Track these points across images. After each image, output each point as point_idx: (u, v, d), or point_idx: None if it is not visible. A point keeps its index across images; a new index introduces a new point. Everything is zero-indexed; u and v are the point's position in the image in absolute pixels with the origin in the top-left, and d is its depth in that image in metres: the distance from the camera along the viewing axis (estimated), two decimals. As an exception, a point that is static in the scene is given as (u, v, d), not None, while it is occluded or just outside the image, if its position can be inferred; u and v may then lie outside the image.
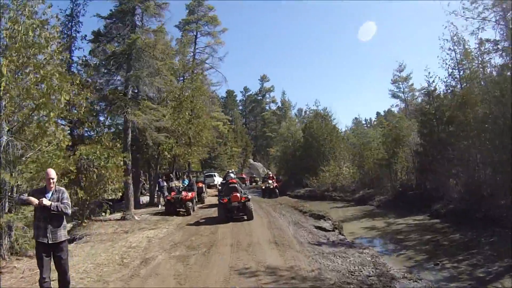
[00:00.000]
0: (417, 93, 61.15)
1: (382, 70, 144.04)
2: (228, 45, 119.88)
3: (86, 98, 15.91)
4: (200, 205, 25.25)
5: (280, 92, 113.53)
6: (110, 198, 19.59)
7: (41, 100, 10.47)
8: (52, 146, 11.03)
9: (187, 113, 27.08)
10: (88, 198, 17.18)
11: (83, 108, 15.36)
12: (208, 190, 34.73)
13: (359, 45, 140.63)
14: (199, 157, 34.04)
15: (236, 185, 17.75)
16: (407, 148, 25.50)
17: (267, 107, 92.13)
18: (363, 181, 29.19)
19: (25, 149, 10.63)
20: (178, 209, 20.51)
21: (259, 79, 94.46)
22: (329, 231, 14.37)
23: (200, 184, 27.59)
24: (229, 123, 64.01)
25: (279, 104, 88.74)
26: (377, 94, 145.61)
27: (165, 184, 23.82)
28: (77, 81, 12.89)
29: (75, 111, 17.18)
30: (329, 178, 32.43)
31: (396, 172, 26.18)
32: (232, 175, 20.71)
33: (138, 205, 24.30)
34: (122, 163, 18.29)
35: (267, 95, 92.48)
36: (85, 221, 17.03)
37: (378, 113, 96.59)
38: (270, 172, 36.34)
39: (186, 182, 24.95)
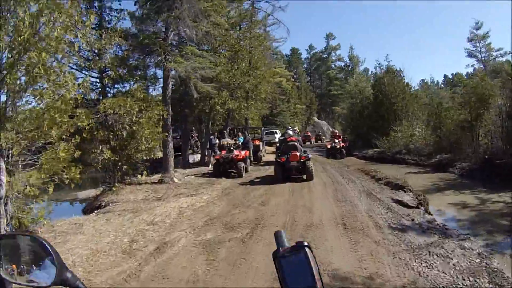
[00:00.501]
0: (495, 53, 56.03)
1: (454, 32, 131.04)
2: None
3: (113, 44, 13.62)
4: (257, 164, 22.97)
5: (346, 51, 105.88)
6: (150, 158, 16.97)
7: (25, 36, 7.46)
8: (47, 95, 8.11)
9: (243, 64, 24.04)
10: (117, 159, 14.78)
11: (109, 55, 12.83)
12: (269, 148, 32.55)
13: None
14: (257, 113, 30.90)
15: (296, 143, 16.15)
16: (493, 110, 21.43)
17: (333, 66, 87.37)
18: (440, 145, 25.15)
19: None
20: (229, 170, 18.15)
21: (324, 37, 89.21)
22: (412, 207, 10.97)
23: (257, 142, 24.93)
24: (293, 79, 60.59)
25: (347, 61, 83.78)
26: (447, 57, 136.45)
27: (217, 141, 21.23)
28: (92, 19, 9.74)
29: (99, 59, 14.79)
30: (401, 139, 28.52)
31: (478, 137, 22.17)
32: (290, 132, 18.11)
33: (187, 164, 22.31)
34: (159, 118, 15.54)
35: (333, 53, 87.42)
36: (116, 185, 14.62)
37: (445, 76, 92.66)
38: (336, 131, 32.90)
39: (242, 139, 22.39)
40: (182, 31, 17.07)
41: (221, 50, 22.34)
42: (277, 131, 38.38)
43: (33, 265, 1.41)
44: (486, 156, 19.68)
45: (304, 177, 15.62)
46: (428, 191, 15.02)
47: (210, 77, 18.84)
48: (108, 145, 14.54)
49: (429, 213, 10.71)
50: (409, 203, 11.20)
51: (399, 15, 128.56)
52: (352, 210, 10.11)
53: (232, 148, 18.50)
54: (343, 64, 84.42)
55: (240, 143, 21.12)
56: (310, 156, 15.98)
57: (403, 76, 35.53)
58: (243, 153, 18.78)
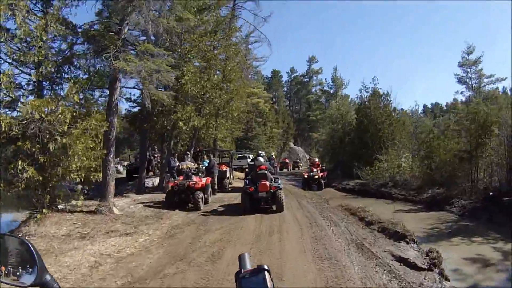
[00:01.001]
0: (486, 80, 54.29)
1: (445, 57, 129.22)
2: (276, 21, 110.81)
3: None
4: (222, 192, 20.07)
5: (329, 75, 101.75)
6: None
7: None
8: None
9: (215, 76, 21.04)
10: (46, 179, 11.45)
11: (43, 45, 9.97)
12: (241, 174, 29.85)
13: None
14: (229, 134, 27.43)
15: (266, 172, 14.69)
16: (496, 139, 18.98)
17: (313, 90, 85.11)
18: (431, 177, 22.28)
19: None
20: (184, 201, 14.94)
21: (307, 60, 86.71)
22: (423, 269, 7.91)
23: (224, 167, 21.64)
24: (272, 102, 57.88)
25: (329, 82, 79.66)
26: (437, 83, 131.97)
27: (177, 164, 17.95)
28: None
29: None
30: (386, 170, 25.67)
31: (477, 170, 19.51)
32: (261, 159, 16.11)
33: (142, 189, 19.07)
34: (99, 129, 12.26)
35: (314, 77, 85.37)
36: (44, 211, 11.24)
37: (425, 105, 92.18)
38: (316, 159, 29.61)
39: (207, 163, 19.38)
40: (142, 25, 13.94)
41: (190, 57, 19.29)
42: (251, 155, 35.21)
43: (19, 266, 1.53)
44: (490, 193, 17.03)
45: (274, 207, 14.31)
46: (430, 238, 12.13)
47: (171, 85, 15.83)
48: (33, 161, 11.11)
49: (447, 279, 7.71)
50: (417, 263, 8.17)
51: (389, 38, 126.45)
52: (340, 276, 7.04)
53: (191, 173, 15.29)
54: (325, 87, 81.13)
55: (203, 167, 18.02)
56: (281, 186, 14.58)
57: (390, 100, 32.97)
58: (204, 180, 15.76)
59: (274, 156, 27.82)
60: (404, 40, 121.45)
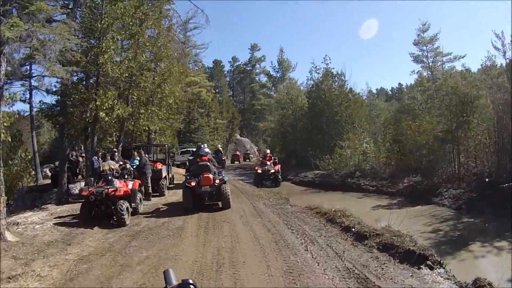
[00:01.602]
0: (444, 58, 51.48)
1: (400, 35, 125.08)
2: (216, 9, 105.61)
3: None
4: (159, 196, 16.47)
5: (272, 62, 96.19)
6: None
7: None
8: None
9: (143, 56, 17.37)
10: None
11: None
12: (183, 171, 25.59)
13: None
14: (166, 125, 23.29)
15: (209, 164, 13.50)
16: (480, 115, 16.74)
17: (257, 79, 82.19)
18: (404, 164, 19.57)
19: None
20: (105, 213, 11.38)
21: (249, 48, 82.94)
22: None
23: (160, 165, 17.73)
24: (214, 92, 54.15)
25: (275, 67, 76.61)
26: (393, 64, 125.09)
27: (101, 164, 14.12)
28: None
29: None
30: (350, 158, 22.93)
31: (459, 152, 17.13)
32: (206, 149, 14.61)
33: (64, 198, 15.33)
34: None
35: (258, 65, 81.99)
36: None
37: (370, 91, 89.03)
38: (267, 150, 26.05)
39: (137, 161, 15.92)
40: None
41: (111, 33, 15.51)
42: (194, 149, 31.72)
43: None
44: (486, 179, 14.55)
45: (220, 204, 13.15)
46: (443, 249, 9.19)
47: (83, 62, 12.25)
48: None
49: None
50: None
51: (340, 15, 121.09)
52: None
53: (112, 176, 11.66)
54: (270, 71, 77.52)
55: (133, 167, 14.47)
56: (226, 178, 13.44)
57: (346, 80, 30.18)
58: (130, 184, 12.12)
59: (220, 148, 24.76)
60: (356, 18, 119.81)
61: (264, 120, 57.92)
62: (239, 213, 11.72)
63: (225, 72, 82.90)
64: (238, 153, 50.94)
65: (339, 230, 9.36)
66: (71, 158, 17.52)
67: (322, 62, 35.79)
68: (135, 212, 12.03)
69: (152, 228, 10.43)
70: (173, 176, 20.91)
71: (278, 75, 73.55)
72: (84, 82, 15.79)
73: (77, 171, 18.63)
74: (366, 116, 28.61)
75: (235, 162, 45.91)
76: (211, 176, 12.86)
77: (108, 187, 11.13)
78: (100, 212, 11.31)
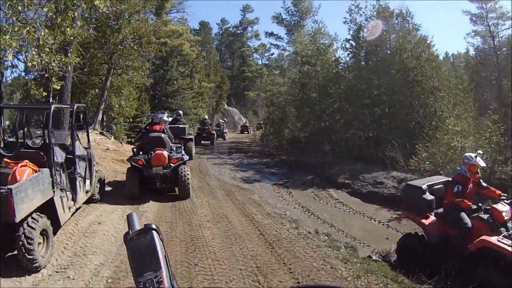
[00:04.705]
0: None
1: None
2: None
3: None
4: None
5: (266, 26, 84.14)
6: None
7: None
8: None
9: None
10: None
11: None
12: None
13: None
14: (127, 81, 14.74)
15: (162, 135, 10.69)
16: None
17: (248, 43, 76.40)
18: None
19: None
20: None
21: (240, 9, 77.54)
22: None
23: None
24: (199, 49, 45.33)
25: (289, 10, 56.62)
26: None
27: None
28: None
29: None
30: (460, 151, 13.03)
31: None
32: (165, 117, 11.36)
33: None
34: None
35: (249, 28, 75.80)
36: None
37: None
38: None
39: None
40: None
41: None
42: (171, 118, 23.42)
43: None
44: None
45: (176, 191, 10.68)
46: None
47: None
48: None
49: None
50: None
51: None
52: None
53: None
54: (282, 14, 57.78)
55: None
56: (185, 158, 10.66)
57: (418, 24, 20.31)
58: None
59: (206, 118, 23.18)
60: None
61: (255, 89, 49.76)
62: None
63: (213, 37, 75.36)
64: (247, 124, 47.75)
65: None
66: None
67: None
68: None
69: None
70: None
71: (293, 20, 55.14)
72: None
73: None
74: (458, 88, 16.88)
75: (244, 133, 43.22)
76: (165, 153, 10.19)
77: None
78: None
